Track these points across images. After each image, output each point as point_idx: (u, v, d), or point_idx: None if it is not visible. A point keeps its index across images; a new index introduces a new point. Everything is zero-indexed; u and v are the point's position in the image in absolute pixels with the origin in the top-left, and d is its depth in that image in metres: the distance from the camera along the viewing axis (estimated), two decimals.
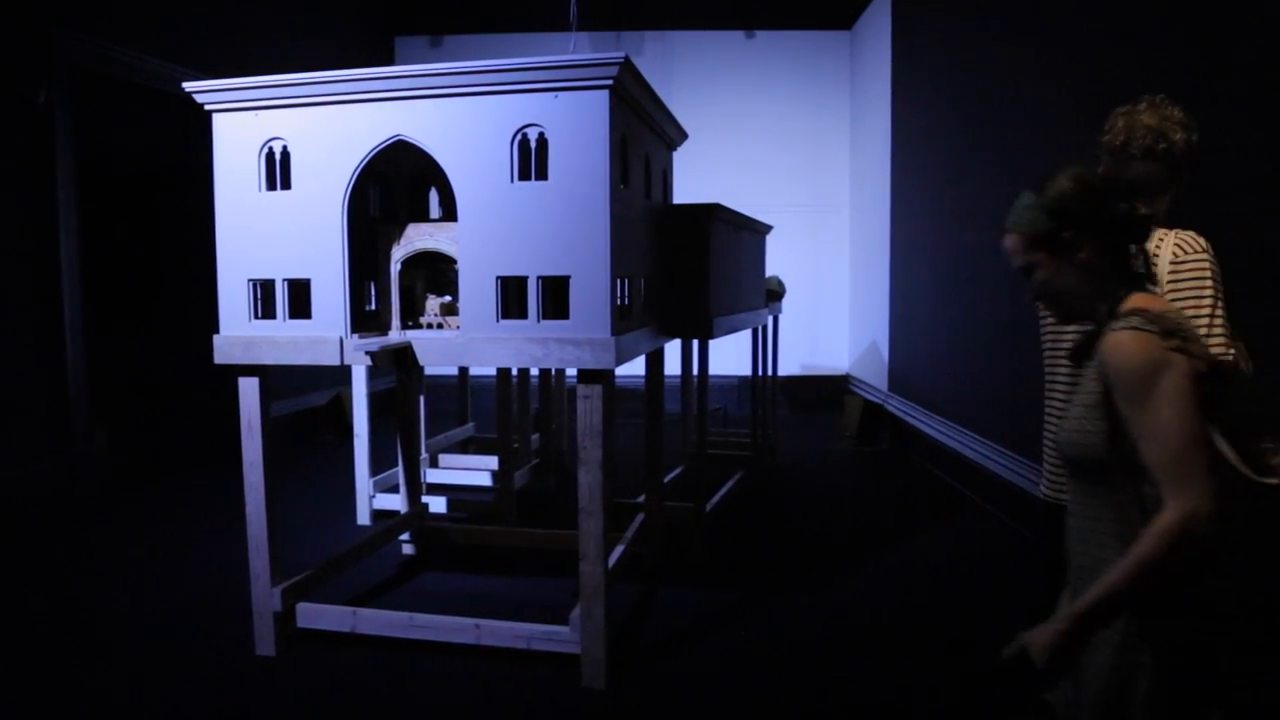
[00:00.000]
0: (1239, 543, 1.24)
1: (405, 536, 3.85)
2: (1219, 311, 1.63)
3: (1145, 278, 1.44)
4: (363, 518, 4.37)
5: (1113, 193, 1.41)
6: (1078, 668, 1.39)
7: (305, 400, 6.61)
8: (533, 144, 2.53)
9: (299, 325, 2.72)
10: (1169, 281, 1.67)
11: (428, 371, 5.22)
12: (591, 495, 2.60)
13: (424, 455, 4.69)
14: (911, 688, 2.66)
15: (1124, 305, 1.38)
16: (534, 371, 5.36)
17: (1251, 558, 1.24)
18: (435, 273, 2.97)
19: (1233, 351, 1.62)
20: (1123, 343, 1.30)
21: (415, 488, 3.88)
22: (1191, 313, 1.63)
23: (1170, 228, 1.76)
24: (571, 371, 4.95)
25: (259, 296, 2.77)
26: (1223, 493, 1.23)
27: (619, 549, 3.21)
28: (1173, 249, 1.69)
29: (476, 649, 2.79)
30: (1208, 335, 1.61)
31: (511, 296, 2.63)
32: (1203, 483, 1.23)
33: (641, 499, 3.88)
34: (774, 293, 5.37)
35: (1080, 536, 1.45)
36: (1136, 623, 1.33)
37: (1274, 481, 1.25)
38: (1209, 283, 1.64)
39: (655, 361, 3.62)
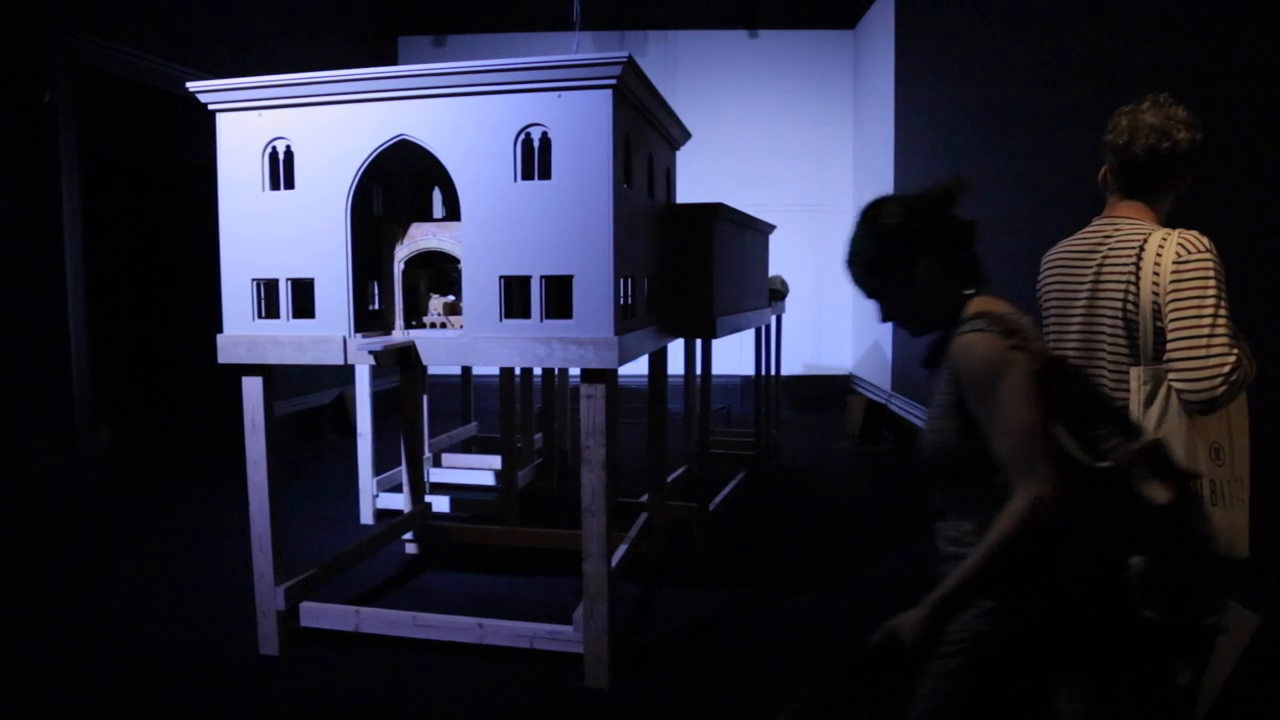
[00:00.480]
0: (1080, 521, 1.33)
1: (408, 536, 3.86)
2: (1222, 312, 1.62)
3: (981, 280, 1.52)
4: (366, 517, 4.38)
5: (935, 206, 1.51)
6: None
7: (309, 399, 6.62)
8: (536, 143, 2.53)
9: (303, 325, 2.72)
10: (1171, 282, 1.66)
11: (431, 371, 5.23)
12: (594, 495, 2.60)
13: (427, 454, 4.70)
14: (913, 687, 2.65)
15: (968, 309, 1.48)
16: (537, 371, 5.36)
17: (1091, 534, 1.34)
18: (439, 272, 2.98)
19: (1236, 352, 1.61)
20: (969, 344, 1.40)
21: (418, 487, 3.88)
22: (1194, 313, 1.62)
23: (1174, 227, 1.76)
24: (575, 371, 4.95)
25: (263, 296, 2.78)
26: (1064, 478, 1.32)
27: (622, 549, 3.21)
28: (1176, 249, 1.68)
29: (479, 648, 2.80)
30: (1211, 336, 1.60)
31: (515, 296, 2.63)
32: (1045, 470, 1.32)
33: (644, 499, 3.88)
34: (777, 292, 5.37)
35: (944, 530, 1.55)
36: (994, 604, 1.44)
37: (1108, 465, 1.34)
38: (1212, 283, 1.63)
39: (658, 361, 3.62)
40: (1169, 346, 1.66)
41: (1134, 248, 1.75)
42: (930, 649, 1.40)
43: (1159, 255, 1.70)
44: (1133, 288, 1.73)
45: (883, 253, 1.52)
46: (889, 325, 6.73)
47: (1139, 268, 1.72)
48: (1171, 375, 1.65)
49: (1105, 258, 1.80)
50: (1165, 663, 1.38)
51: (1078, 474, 1.33)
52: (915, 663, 1.40)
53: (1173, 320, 1.65)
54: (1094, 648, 1.37)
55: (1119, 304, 1.75)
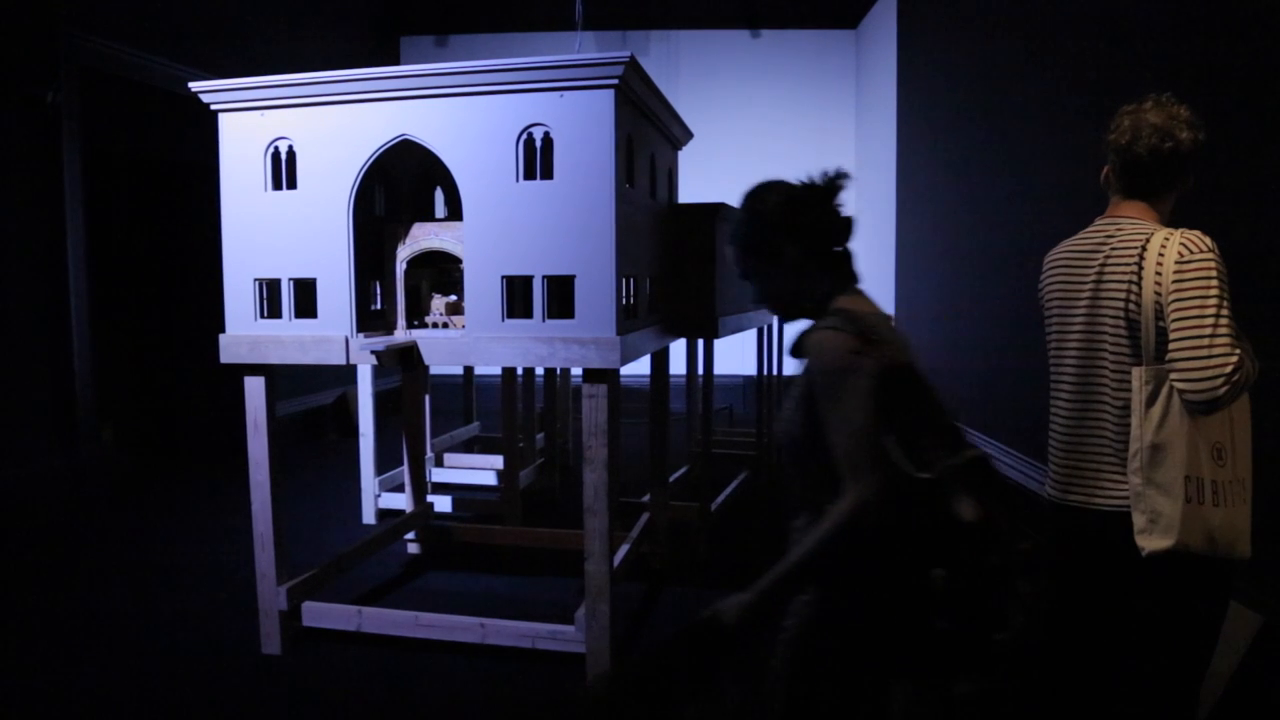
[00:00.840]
0: (896, 528, 1.37)
1: (410, 535, 3.86)
2: (1224, 312, 1.62)
3: (850, 278, 1.55)
4: (368, 517, 4.38)
5: (813, 199, 1.53)
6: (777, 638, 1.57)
7: (311, 399, 6.62)
8: (538, 143, 2.53)
9: (305, 325, 2.73)
10: (1174, 282, 1.66)
11: (433, 371, 5.23)
12: (596, 494, 2.60)
13: (429, 454, 4.70)
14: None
15: (834, 304, 1.50)
16: (539, 370, 5.37)
17: (903, 542, 1.38)
18: (441, 272, 2.98)
19: (1239, 351, 1.61)
20: (820, 341, 1.42)
21: (420, 487, 3.89)
22: (1196, 313, 1.62)
23: (1176, 227, 1.76)
24: (577, 371, 4.94)
25: (265, 296, 2.78)
26: (889, 484, 1.36)
27: (624, 548, 3.21)
28: (1178, 249, 1.68)
29: (481, 648, 2.80)
30: (1213, 335, 1.60)
31: (517, 296, 2.64)
32: (874, 475, 1.35)
33: (646, 498, 3.88)
34: None
35: (793, 515, 1.57)
36: (818, 596, 1.49)
37: (927, 476, 1.38)
38: (1215, 283, 1.63)
39: (660, 361, 3.62)
40: (1171, 346, 1.65)
41: (1136, 248, 1.75)
42: (752, 634, 1.43)
43: (1161, 255, 1.70)
44: (1135, 288, 1.73)
45: (757, 237, 1.56)
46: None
47: (1141, 267, 1.72)
48: (1173, 375, 1.65)
49: (1107, 258, 1.79)
50: (950, 672, 1.43)
51: (900, 482, 1.37)
52: (736, 646, 1.43)
53: (1175, 320, 1.65)
54: (893, 651, 1.43)
55: (1121, 304, 1.75)
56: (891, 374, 1.40)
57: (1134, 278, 1.73)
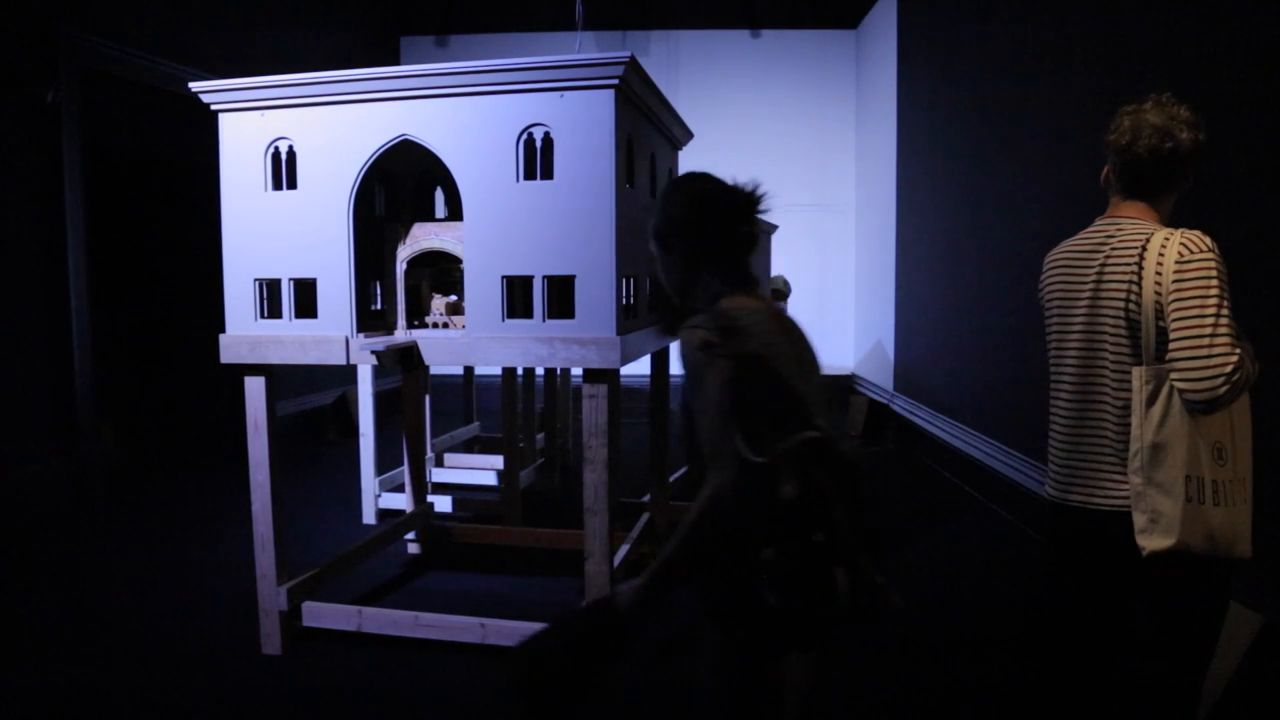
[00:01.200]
0: (737, 513, 1.44)
1: (411, 535, 3.86)
2: (1224, 311, 1.62)
3: (738, 285, 1.60)
4: (368, 517, 4.38)
5: (715, 209, 1.59)
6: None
7: (311, 399, 6.62)
8: (538, 143, 2.53)
9: (305, 325, 2.73)
10: (1174, 282, 1.66)
11: (433, 371, 5.23)
12: (596, 494, 2.60)
13: (429, 454, 4.70)
14: (916, 687, 2.66)
15: (719, 303, 1.57)
16: (539, 370, 5.37)
17: (742, 525, 1.44)
18: (441, 272, 2.98)
19: (1239, 351, 1.61)
20: (687, 337, 1.50)
21: (421, 487, 3.89)
22: (1196, 312, 1.62)
23: (1176, 227, 1.76)
24: (577, 371, 4.94)
25: (265, 296, 2.78)
26: (741, 471, 1.42)
27: (624, 548, 3.21)
28: (1178, 249, 1.68)
29: (482, 648, 2.80)
30: (1213, 335, 1.60)
31: (517, 296, 2.64)
32: (728, 463, 1.43)
33: (646, 498, 3.88)
34: (779, 292, 5.37)
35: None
36: (704, 581, 1.55)
37: (760, 460, 1.42)
38: (1215, 283, 1.63)
39: (660, 361, 3.62)
40: (1171, 346, 1.66)
41: (1136, 248, 1.75)
42: (645, 617, 1.48)
43: (1161, 255, 1.70)
44: (1135, 287, 1.73)
45: (659, 226, 1.64)
46: (892, 325, 6.75)
47: (1141, 267, 1.72)
48: (1174, 375, 1.65)
49: (1108, 258, 1.80)
50: (782, 647, 1.52)
51: (742, 467, 1.42)
52: (628, 627, 1.48)
53: (1175, 320, 1.65)
54: (740, 629, 1.49)
55: (1121, 304, 1.75)
56: (740, 365, 1.46)
57: (1134, 278, 1.73)
